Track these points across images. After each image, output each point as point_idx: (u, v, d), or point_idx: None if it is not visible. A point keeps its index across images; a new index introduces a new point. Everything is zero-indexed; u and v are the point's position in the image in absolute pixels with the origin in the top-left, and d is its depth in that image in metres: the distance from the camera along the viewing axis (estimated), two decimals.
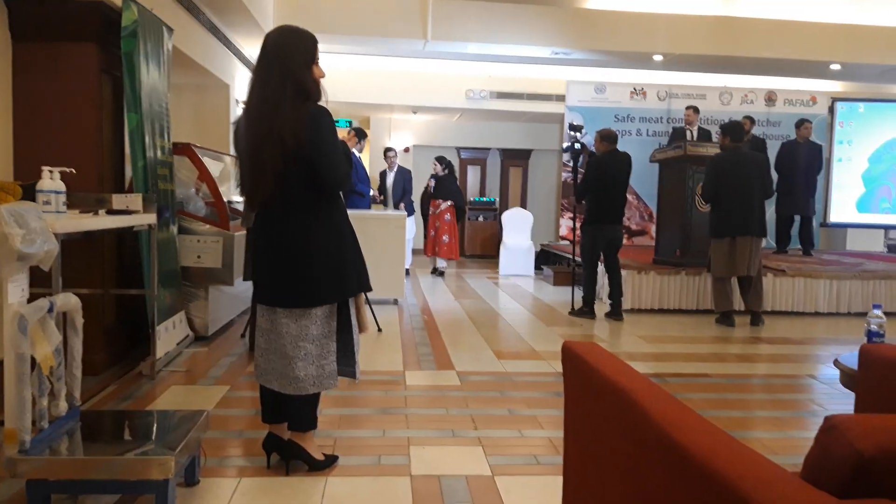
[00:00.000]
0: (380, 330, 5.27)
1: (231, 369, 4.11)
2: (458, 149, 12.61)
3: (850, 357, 2.43)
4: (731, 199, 5.71)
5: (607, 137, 6.11)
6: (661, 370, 4.37)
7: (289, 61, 2.41)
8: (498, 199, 12.56)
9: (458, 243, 9.60)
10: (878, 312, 2.67)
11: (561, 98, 10.09)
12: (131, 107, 3.85)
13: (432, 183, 9.10)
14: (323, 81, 2.50)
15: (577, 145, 6.59)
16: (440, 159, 9.17)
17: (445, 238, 8.97)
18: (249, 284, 3.40)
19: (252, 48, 7.30)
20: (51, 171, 2.99)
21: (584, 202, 6.19)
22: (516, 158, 12.72)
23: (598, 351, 1.61)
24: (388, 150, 9.11)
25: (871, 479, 0.84)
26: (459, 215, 9.24)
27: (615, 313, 6.08)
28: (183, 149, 4.82)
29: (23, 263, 2.06)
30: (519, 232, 9.73)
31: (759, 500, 0.87)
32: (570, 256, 7.25)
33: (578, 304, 6.27)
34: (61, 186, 3.01)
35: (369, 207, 7.69)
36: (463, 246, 11.59)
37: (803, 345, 5.38)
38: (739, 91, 9.96)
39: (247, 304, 5.29)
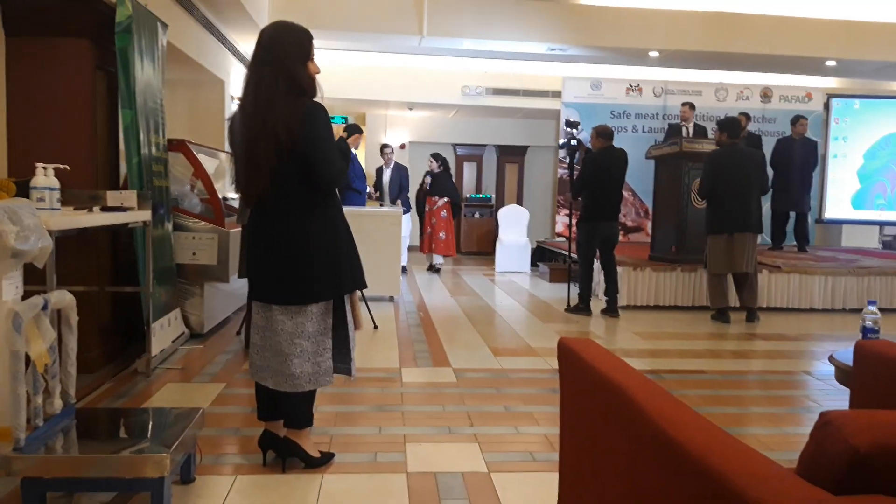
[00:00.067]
0: (376, 327, 5.27)
1: (227, 367, 4.10)
2: (455, 145, 12.60)
3: (845, 353, 2.44)
4: (728, 196, 5.72)
5: (603, 134, 6.10)
6: (656, 367, 4.38)
7: (283, 57, 2.40)
8: (494, 196, 12.56)
9: (455, 240, 9.60)
10: (873, 309, 2.68)
11: (557, 94, 10.09)
12: (126, 103, 3.83)
13: (428, 180, 9.09)
14: (318, 77, 2.49)
15: (574, 142, 6.59)
16: (436, 156, 9.16)
17: (442, 235, 8.97)
18: (245, 281, 3.39)
19: (247, 44, 7.28)
20: (45, 168, 2.97)
21: (580, 199, 6.19)
22: (512, 155, 12.72)
23: (593, 347, 1.61)
24: (384, 146, 9.10)
25: (866, 474, 0.85)
26: (456, 212, 9.23)
27: (611, 310, 6.08)
28: (178, 145, 4.80)
29: (17, 260, 2.05)
30: (515, 228, 9.74)
31: (754, 495, 0.87)
32: (567, 253, 7.25)
33: (574, 300, 6.28)
34: (55, 183, 2.99)
35: (364, 204, 7.69)
36: (459, 243, 11.59)
37: (798, 341, 5.40)
38: (735, 87, 9.97)
39: (242, 301, 5.28)
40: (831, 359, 2.60)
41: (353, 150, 7.35)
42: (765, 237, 8.13)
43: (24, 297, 2.10)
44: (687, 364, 4.50)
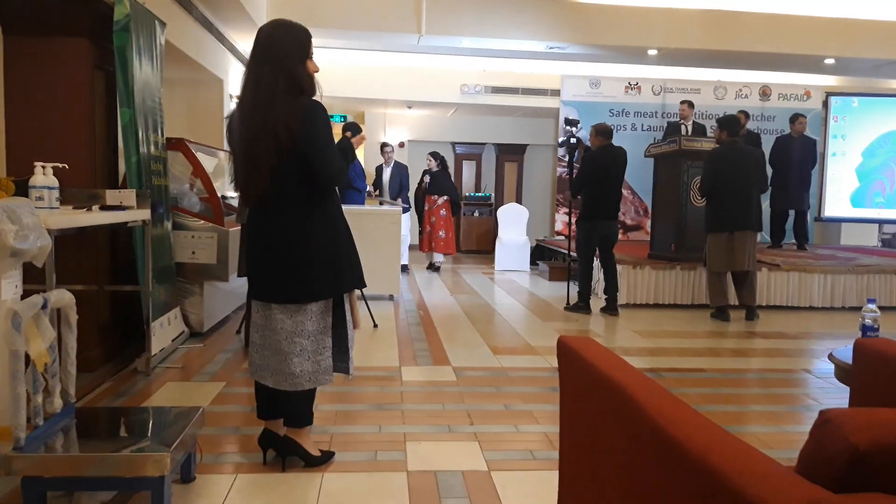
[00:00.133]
0: (375, 326, 5.27)
1: (226, 366, 4.10)
2: (454, 144, 12.60)
3: (845, 351, 2.44)
4: (729, 194, 5.72)
5: (602, 132, 6.10)
6: (656, 365, 4.38)
7: (282, 55, 2.40)
8: (493, 195, 12.55)
9: (455, 238, 9.60)
10: (873, 307, 2.68)
11: (556, 93, 10.09)
12: (124, 102, 3.83)
13: (427, 179, 9.09)
14: (317, 76, 2.49)
15: (573, 140, 6.58)
16: (434, 154, 9.16)
17: (442, 233, 8.97)
18: (244, 280, 3.39)
19: (245, 42, 7.27)
20: (43, 167, 2.97)
21: (579, 197, 6.19)
22: (511, 153, 12.71)
23: (593, 346, 1.61)
24: (384, 145, 9.09)
25: (866, 472, 0.85)
26: (455, 210, 9.24)
27: (610, 308, 6.09)
28: (177, 144, 4.80)
29: (16, 260, 2.05)
30: (514, 227, 9.74)
31: (753, 494, 0.87)
32: (566, 252, 7.25)
33: (574, 299, 6.28)
34: (54, 182, 2.99)
35: (364, 203, 7.68)
36: (459, 241, 11.59)
37: (798, 339, 5.40)
38: (734, 85, 9.98)
39: (242, 300, 5.28)
40: (831, 357, 2.60)
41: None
42: (764, 235, 8.14)
43: (23, 297, 2.10)
44: (686, 362, 4.50)
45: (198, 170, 4.94)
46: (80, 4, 3.70)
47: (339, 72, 9.42)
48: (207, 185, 4.91)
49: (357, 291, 2.66)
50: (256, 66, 2.42)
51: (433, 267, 9.23)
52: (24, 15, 3.66)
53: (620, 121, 9.72)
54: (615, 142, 6.18)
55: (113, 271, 4.09)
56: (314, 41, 2.52)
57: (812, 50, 8.04)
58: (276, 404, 2.59)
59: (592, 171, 6.01)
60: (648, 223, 8.50)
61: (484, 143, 12.70)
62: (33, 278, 2.57)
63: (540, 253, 9.70)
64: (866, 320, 2.66)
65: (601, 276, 6.32)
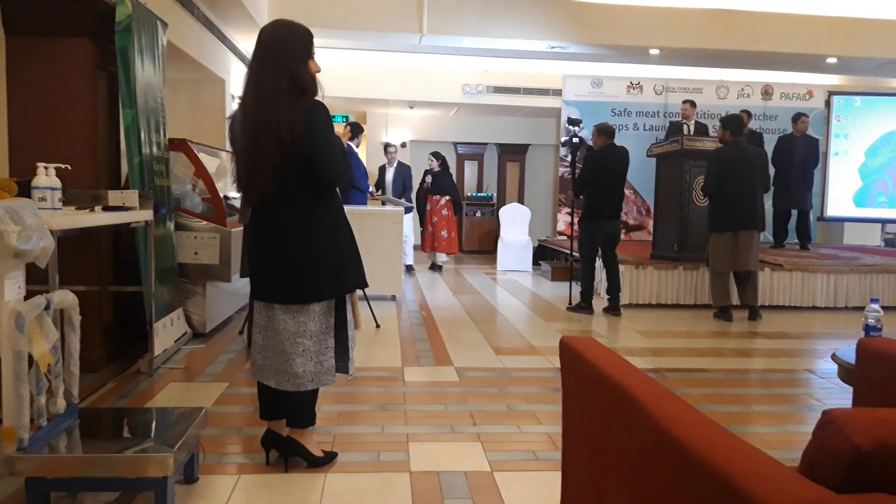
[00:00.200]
0: (378, 326, 5.27)
1: (229, 366, 4.11)
2: (455, 144, 12.60)
3: (848, 351, 2.44)
4: (734, 194, 5.71)
5: (605, 132, 6.10)
6: (658, 365, 4.37)
7: (284, 56, 2.40)
8: (495, 195, 12.55)
9: (458, 238, 9.60)
10: (876, 307, 2.67)
11: (558, 92, 10.08)
12: (126, 102, 3.84)
13: (429, 179, 9.10)
14: (319, 76, 2.49)
15: (575, 140, 6.58)
16: (436, 154, 9.17)
17: (444, 233, 8.98)
18: (247, 281, 3.38)
19: (247, 43, 7.28)
20: (46, 168, 2.97)
21: (581, 197, 6.19)
22: (513, 153, 12.71)
23: (595, 346, 1.61)
24: (387, 145, 9.11)
25: (869, 473, 0.85)
26: (456, 210, 9.24)
27: (613, 308, 6.08)
28: (179, 145, 4.80)
29: (19, 260, 2.05)
30: (516, 227, 9.74)
31: (757, 494, 0.87)
32: (568, 252, 7.25)
33: (576, 299, 6.28)
34: (57, 183, 3.00)
35: (366, 203, 7.69)
36: (461, 241, 11.59)
37: (801, 339, 5.39)
38: (736, 85, 9.96)
39: (244, 300, 5.28)
40: (834, 357, 2.60)
41: (354, 148, 7.37)
42: (767, 235, 8.13)
43: (26, 297, 2.10)
44: (689, 362, 4.49)
45: (200, 170, 4.94)
46: (82, 5, 3.70)
47: (341, 72, 9.43)
48: (210, 185, 4.91)
49: (359, 291, 2.66)
50: (258, 66, 2.42)
51: (436, 267, 9.23)
52: (26, 15, 3.67)
53: (622, 120, 9.71)
54: (617, 141, 6.18)
55: (116, 272, 4.10)
56: (316, 41, 2.52)
57: (814, 49, 8.02)
58: (278, 405, 2.59)
59: (595, 171, 6.00)
60: (651, 223, 8.48)
61: (486, 143, 12.69)
62: (36, 279, 2.58)
63: (542, 253, 9.69)
64: (869, 320, 2.66)
65: (603, 276, 6.31)
